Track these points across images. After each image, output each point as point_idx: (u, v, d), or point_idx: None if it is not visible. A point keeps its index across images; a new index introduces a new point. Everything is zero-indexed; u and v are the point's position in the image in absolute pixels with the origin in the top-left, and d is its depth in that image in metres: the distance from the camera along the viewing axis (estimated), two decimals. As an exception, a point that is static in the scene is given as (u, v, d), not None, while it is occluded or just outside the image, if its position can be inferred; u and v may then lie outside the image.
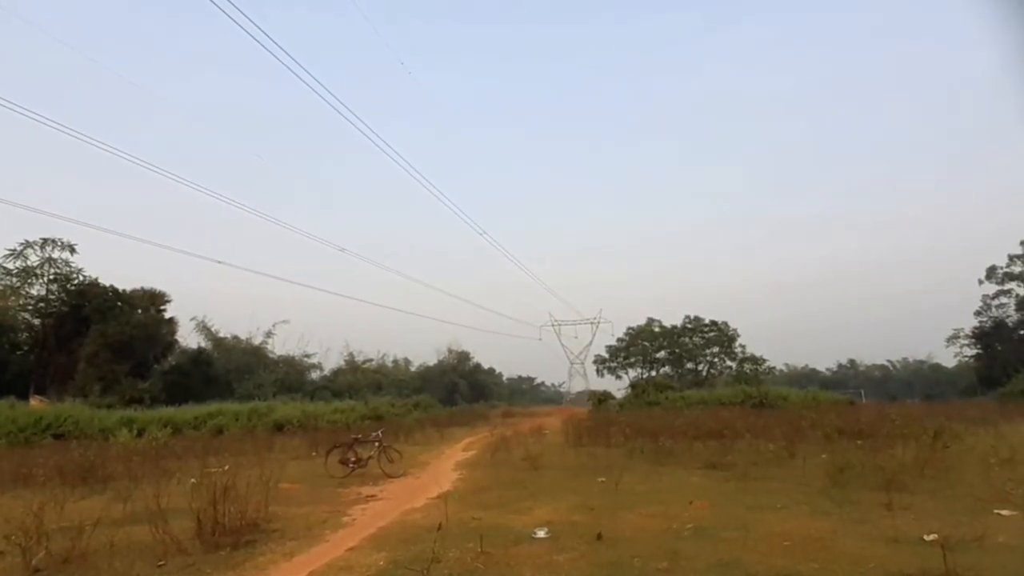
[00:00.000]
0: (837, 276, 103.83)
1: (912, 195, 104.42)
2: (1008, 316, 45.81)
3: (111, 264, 53.73)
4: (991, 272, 46.15)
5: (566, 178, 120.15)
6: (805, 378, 69.31)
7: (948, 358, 56.57)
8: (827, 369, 77.33)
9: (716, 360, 52.29)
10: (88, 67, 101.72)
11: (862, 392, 52.91)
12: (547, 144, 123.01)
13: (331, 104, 18.26)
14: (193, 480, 7.94)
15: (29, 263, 32.93)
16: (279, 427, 24.19)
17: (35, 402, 25.96)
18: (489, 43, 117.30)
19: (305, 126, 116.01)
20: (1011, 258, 45.23)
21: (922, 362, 70.53)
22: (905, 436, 11.09)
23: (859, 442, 11.41)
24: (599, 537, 5.92)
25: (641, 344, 55.23)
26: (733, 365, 51.13)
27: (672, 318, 55.12)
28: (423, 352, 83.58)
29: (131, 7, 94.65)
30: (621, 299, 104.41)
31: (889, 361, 75.54)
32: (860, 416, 16.30)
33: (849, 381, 68.83)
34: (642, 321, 56.08)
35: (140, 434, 19.34)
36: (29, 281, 33.14)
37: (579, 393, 76.56)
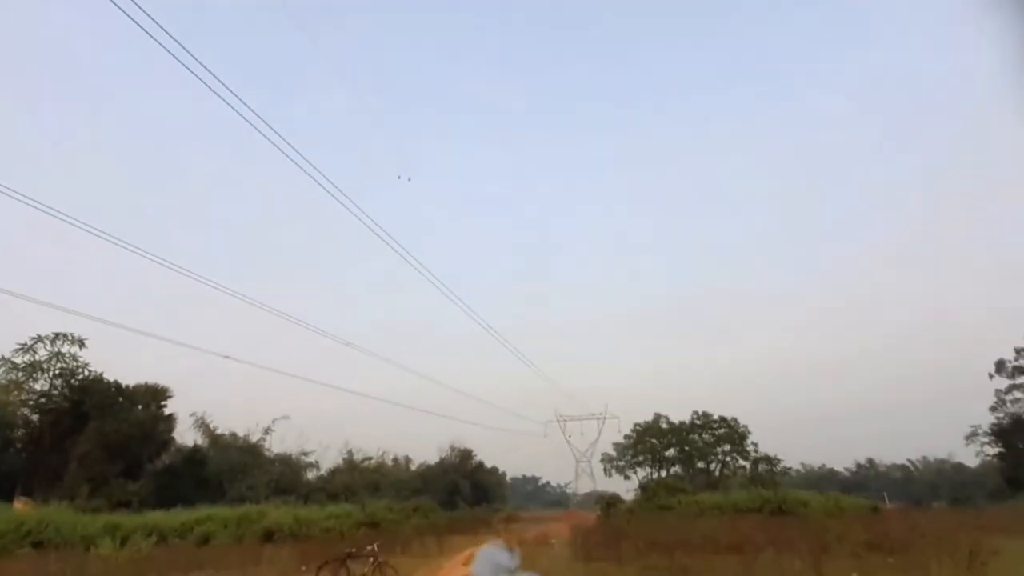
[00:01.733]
0: (846, 368, 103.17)
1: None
2: (1024, 411, 44.35)
3: (117, 354, 53.39)
4: (1000, 366, 45.28)
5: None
6: (824, 480, 66.03)
7: (970, 457, 53.88)
8: (846, 469, 73.81)
9: (728, 459, 50.25)
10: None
11: (885, 496, 50.20)
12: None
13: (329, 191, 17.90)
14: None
15: (38, 357, 32.85)
16: (268, 535, 22.87)
17: (19, 504, 24.82)
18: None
19: (306, 219, 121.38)
20: (1017, 351, 44.61)
21: (944, 461, 67.25)
22: (938, 553, 10.45)
23: (890, 559, 10.75)
24: None
25: (649, 442, 53.43)
26: (747, 465, 49.08)
27: (679, 412, 53.82)
28: (424, 450, 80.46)
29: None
30: (628, 393, 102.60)
31: (910, 461, 72.13)
32: (888, 528, 15.44)
33: (870, 483, 65.52)
34: (649, 416, 54.74)
35: (123, 542, 18.34)
36: (34, 376, 32.85)
37: (586, 494, 72.72)
